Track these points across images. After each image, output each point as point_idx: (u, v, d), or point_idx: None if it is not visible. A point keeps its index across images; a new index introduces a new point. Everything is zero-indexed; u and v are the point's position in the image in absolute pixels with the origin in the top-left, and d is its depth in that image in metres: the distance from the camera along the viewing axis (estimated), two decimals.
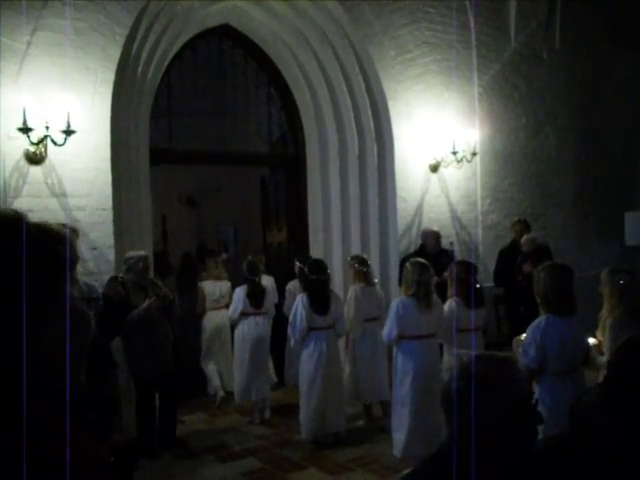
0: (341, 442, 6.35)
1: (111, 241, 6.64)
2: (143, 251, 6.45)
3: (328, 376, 6.33)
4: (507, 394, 1.99)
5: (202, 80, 8.39)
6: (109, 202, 6.67)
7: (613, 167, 11.31)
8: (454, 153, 8.62)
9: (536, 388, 4.11)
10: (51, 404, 0.97)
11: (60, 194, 6.39)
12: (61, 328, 1.02)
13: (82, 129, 6.33)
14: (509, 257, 7.91)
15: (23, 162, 6.22)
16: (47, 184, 6.33)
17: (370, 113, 8.68)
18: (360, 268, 6.90)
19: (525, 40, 9.93)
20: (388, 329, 5.60)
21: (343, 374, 6.71)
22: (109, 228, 6.64)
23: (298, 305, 6.37)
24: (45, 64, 6.28)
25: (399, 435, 5.55)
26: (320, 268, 6.48)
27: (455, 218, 9.11)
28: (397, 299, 5.80)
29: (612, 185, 11.29)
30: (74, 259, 1.10)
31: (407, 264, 5.80)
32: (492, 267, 8.67)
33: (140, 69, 7.21)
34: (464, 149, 8.69)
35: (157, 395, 6.35)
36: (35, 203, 6.22)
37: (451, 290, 5.49)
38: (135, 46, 7.06)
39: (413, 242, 8.57)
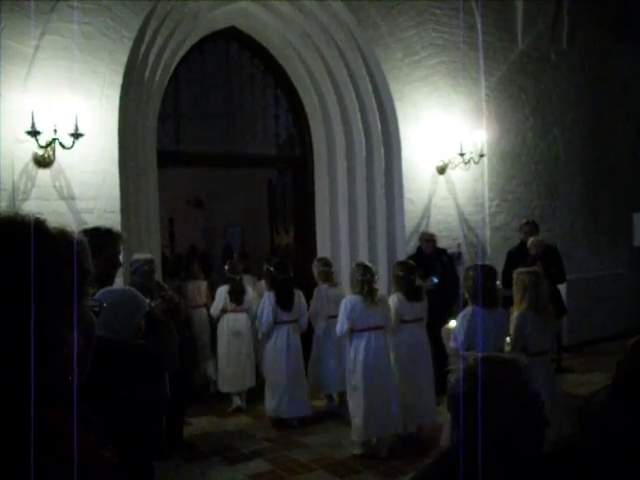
0: (305, 424, 6.95)
1: None
2: (149, 254, 6.45)
3: (290, 365, 7.01)
4: (514, 396, 1.99)
5: (209, 82, 8.41)
6: (117, 205, 6.69)
7: (622, 167, 11.28)
8: (461, 154, 8.62)
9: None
10: (58, 408, 0.98)
11: (68, 197, 6.42)
12: (70, 333, 1.02)
13: (90, 132, 6.36)
14: (518, 258, 7.88)
15: (32, 165, 6.25)
16: (55, 187, 6.36)
17: (377, 115, 8.68)
18: (324, 269, 7.44)
19: (532, 41, 9.93)
20: (340, 324, 6.18)
21: (303, 364, 7.28)
22: (117, 230, 6.65)
23: (265, 302, 7.03)
24: (53, 68, 6.31)
25: (357, 420, 6.04)
26: (284, 268, 7.14)
27: (463, 220, 9.11)
28: (346, 297, 6.36)
29: (621, 185, 11.27)
30: (88, 269, 1.11)
31: (353, 265, 6.48)
32: (500, 268, 8.64)
33: (148, 72, 7.23)
34: (471, 150, 8.69)
35: None
36: (43, 206, 6.24)
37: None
38: (142, 49, 7.08)
39: (417, 243, 8.55)
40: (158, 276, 6.82)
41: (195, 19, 7.57)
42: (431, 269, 7.75)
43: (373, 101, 8.65)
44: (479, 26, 9.26)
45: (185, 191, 13.34)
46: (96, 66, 6.56)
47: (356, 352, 6.11)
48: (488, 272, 5.29)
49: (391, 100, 8.52)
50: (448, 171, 8.86)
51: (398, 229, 8.71)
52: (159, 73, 7.38)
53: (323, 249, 8.90)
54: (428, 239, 8.05)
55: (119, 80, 6.72)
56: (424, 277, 7.39)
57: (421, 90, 8.72)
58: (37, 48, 6.23)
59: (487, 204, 9.38)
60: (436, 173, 8.84)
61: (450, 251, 8.59)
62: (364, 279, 6.11)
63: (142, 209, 7.31)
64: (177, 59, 7.68)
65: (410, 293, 6.43)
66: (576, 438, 2.87)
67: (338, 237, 8.94)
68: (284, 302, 7.03)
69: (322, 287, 7.43)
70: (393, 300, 6.47)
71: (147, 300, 5.94)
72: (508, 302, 8.65)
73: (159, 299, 6.09)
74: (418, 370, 6.42)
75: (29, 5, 6.10)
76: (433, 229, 8.53)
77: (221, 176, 12.07)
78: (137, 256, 6.32)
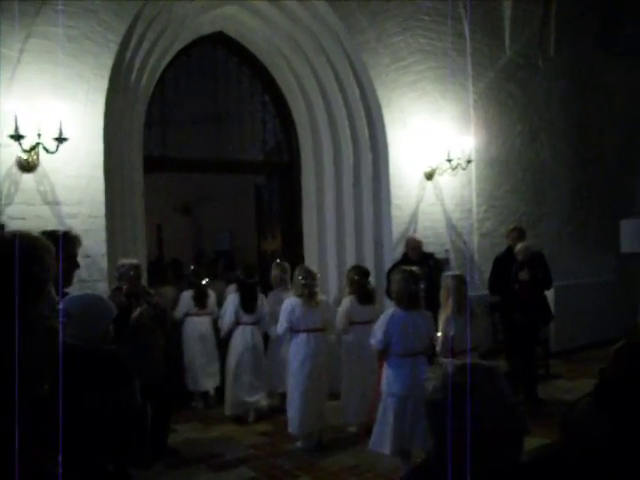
0: (262, 417, 7.41)
1: (104, 249, 6.62)
2: (135, 259, 6.41)
3: (251, 363, 7.36)
4: (492, 404, 1.96)
5: (196, 88, 8.37)
6: (102, 210, 6.65)
7: (609, 174, 11.32)
8: (449, 160, 8.63)
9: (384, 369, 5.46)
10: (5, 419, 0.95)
11: (52, 202, 6.37)
12: (26, 344, 0.99)
13: (74, 136, 6.31)
14: (504, 265, 7.87)
15: (15, 169, 6.21)
16: (39, 191, 6.31)
17: (365, 121, 8.68)
18: (279, 274, 7.72)
19: (520, 48, 9.96)
20: (280, 324, 6.51)
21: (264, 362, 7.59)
22: (102, 236, 6.61)
23: (229, 303, 7.43)
24: (38, 72, 6.27)
25: (292, 414, 6.42)
26: (250, 272, 7.53)
27: (450, 226, 9.11)
28: (287, 299, 6.63)
29: (608, 192, 11.30)
30: (45, 277, 1.07)
31: (296, 270, 6.72)
32: (487, 274, 8.63)
33: (133, 77, 7.19)
34: (459, 156, 8.69)
35: (149, 404, 6.30)
36: (27, 211, 6.20)
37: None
38: (128, 54, 7.05)
39: (403, 249, 8.54)
40: (144, 282, 6.79)
41: (182, 24, 7.55)
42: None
43: (361, 107, 8.65)
44: (467, 32, 9.28)
45: (173, 197, 13.28)
46: (81, 70, 6.52)
47: (296, 351, 6.45)
48: (411, 276, 5.55)
49: (379, 106, 8.52)
50: (436, 177, 8.86)
51: (385, 235, 8.69)
52: (145, 78, 7.35)
53: (310, 255, 8.87)
54: (414, 247, 8.01)
55: (104, 84, 6.68)
56: None
57: (409, 96, 8.72)
58: (22, 52, 6.18)
59: (475, 210, 9.38)
60: (424, 179, 8.83)
61: (437, 257, 8.57)
62: (305, 283, 6.39)
63: (128, 214, 7.26)
64: (164, 64, 7.64)
65: (362, 296, 6.80)
66: (558, 445, 2.85)
67: (325, 243, 8.91)
68: (247, 304, 7.37)
69: (275, 291, 7.77)
70: (345, 302, 6.88)
71: (135, 305, 5.95)
72: (494, 309, 8.71)
73: (145, 305, 6.06)
74: (365, 370, 6.61)
75: (14, 8, 6.06)
76: (420, 235, 8.51)
77: (208, 182, 12.02)
78: (123, 261, 6.28)
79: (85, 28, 6.56)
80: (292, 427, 6.46)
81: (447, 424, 1.94)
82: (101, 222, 6.63)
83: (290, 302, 6.49)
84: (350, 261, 8.52)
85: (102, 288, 6.35)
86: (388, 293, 7.49)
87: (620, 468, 2.44)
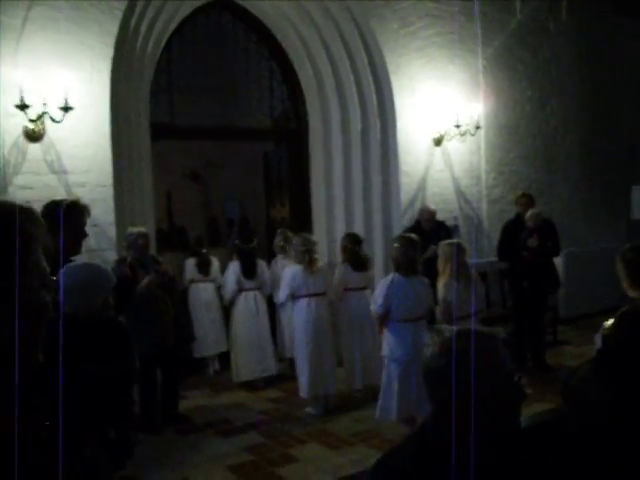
0: (271, 383, 7.55)
1: (112, 218, 6.63)
2: (143, 227, 6.43)
3: (256, 327, 7.50)
4: (490, 369, 1.96)
5: (203, 55, 8.31)
6: (109, 179, 6.65)
7: (620, 140, 11.20)
8: (457, 127, 8.56)
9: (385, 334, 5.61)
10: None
11: (59, 171, 6.38)
12: (10, 315, 0.99)
13: (80, 105, 6.30)
14: (513, 231, 7.84)
15: (22, 139, 6.20)
16: (46, 161, 6.32)
17: (373, 87, 8.60)
18: (280, 242, 7.94)
19: (530, 11, 9.80)
20: (281, 291, 6.75)
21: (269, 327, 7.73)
22: (110, 205, 6.62)
23: (230, 271, 7.57)
24: (42, 40, 6.23)
25: (303, 379, 6.57)
26: (248, 240, 7.78)
27: (459, 192, 9.07)
28: (287, 267, 6.90)
29: (619, 158, 11.19)
30: (29, 242, 1.06)
31: (295, 238, 6.94)
32: (496, 241, 8.61)
33: (139, 44, 7.15)
34: (468, 123, 8.61)
35: (159, 371, 6.38)
36: (35, 180, 6.21)
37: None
38: (133, 21, 6.99)
39: (416, 217, 8.52)
40: (153, 250, 6.82)
41: None
42: (428, 243, 7.72)
43: (368, 73, 8.56)
44: None
45: (181, 165, 13.26)
46: (86, 38, 6.48)
47: (299, 317, 6.65)
48: (409, 243, 5.66)
49: (386, 72, 8.43)
50: (444, 143, 8.80)
51: (394, 201, 8.67)
52: (151, 45, 7.30)
53: (318, 222, 8.87)
54: (428, 218, 7.93)
55: (110, 52, 6.63)
56: (424, 249, 7.43)
57: (417, 62, 8.62)
58: (25, 20, 6.14)
59: (484, 177, 9.33)
60: (432, 145, 8.77)
61: (447, 224, 8.54)
62: (305, 249, 6.59)
63: (136, 183, 7.26)
64: (169, 31, 7.57)
65: (356, 263, 6.90)
66: (559, 411, 2.86)
67: (334, 210, 8.90)
68: (247, 271, 7.53)
69: (278, 258, 8.04)
70: (340, 269, 7.02)
71: (143, 273, 5.98)
72: (503, 275, 8.71)
73: (153, 273, 6.10)
74: (365, 335, 6.81)
75: None
76: (429, 201, 8.48)
77: (217, 149, 11.99)
78: (131, 230, 6.31)
79: None
80: (302, 391, 6.62)
81: (445, 391, 1.95)
82: (109, 191, 6.63)
83: (291, 270, 6.69)
84: (359, 229, 8.52)
85: (110, 257, 6.39)
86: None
87: (619, 435, 2.45)
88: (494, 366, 1.99)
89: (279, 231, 8.17)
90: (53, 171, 6.33)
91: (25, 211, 1.04)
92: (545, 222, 7.85)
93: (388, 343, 5.61)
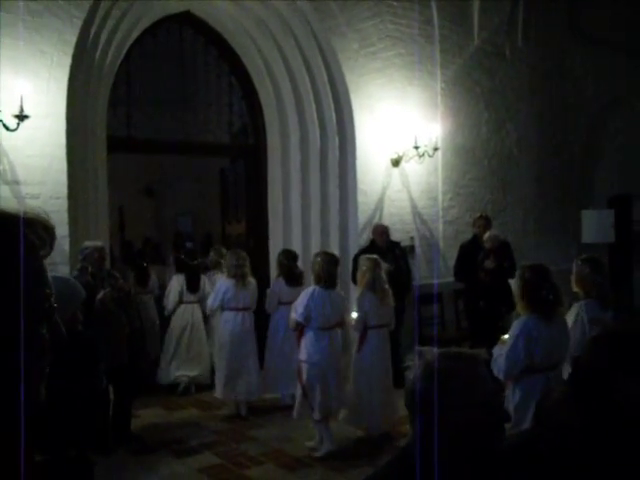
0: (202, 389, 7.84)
1: (65, 230, 6.45)
2: (100, 241, 6.28)
3: (191, 339, 7.96)
4: (473, 393, 1.93)
5: (162, 68, 8.21)
6: (64, 190, 6.49)
7: (572, 164, 11.43)
8: (416, 147, 8.61)
9: (303, 341, 6.03)
10: None
11: (12, 181, 6.19)
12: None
13: (36, 114, 6.14)
14: (470, 252, 7.91)
15: None
16: None
17: (332, 105, 8.61)
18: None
19: (488, 36, 9.96)
20: (212, 300, 7.16)
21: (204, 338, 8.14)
22: (64, 217, 6.45)
23: (174, 283, 8.01)
24: None
25: (218, 382, 7.08)
26: (193, 256, 8.27)
27: (416, 213, 9.11)
28: (221, 280, 7.32)
29: (571, 182, 11.42)
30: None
31: (227, 253, 7.45)
32: (452, 262, 8.68)
33: (98, 54, 7.02)
34: (426, 144, 8.67)
35: (111, 389, 6.19)
36: None
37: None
38: (93, 30, 6.87)
39: (370, 235, 8.53)
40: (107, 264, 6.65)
41: (148, 1, 7.38)
42: (384, 261, 7.73)
43: (328, 91, 8.57)
44: (435, 19, 9.25)
45: (135, 179, 13.07)
46: (43, 46, 6.33)
47: (225, 327, 7.10)
48: (331, 259, 6.17)
49: (346, 91, 8.45)
50: (402, 164, 8.83)
51: (351, 221, 8.66)
52: (110, 56, 7.18)
53: (275, 239, 8.81)
54: (382, 232, 8.03)
55: (68, 61, 6.50)
56: None
57: (377, 82, 8.67)
58: None
59: (441, 198, 9.39)
60: (390, 165, 8.80)
61: (403, 244, 8.58)
62: (237, 264, 6.99)
63: (90, 196, 7.11)
64: (129, 42, 7.47)
65: (290, 278, 7.24)
66: (530, 433, 2.85)
67: (290, 228, 8.85)
68: (192, 285, 7.96)
69: (211, 272, 8.34)
70: (275, 284, 7.41)
71: (95, 289, 5.81)
72: (458, 295, 8.77)
73: (109, 288, 5.93)
74: (290, 344, 6.96)
75: None
76: (386, 222, 8.50)
77: (173, 164, 11.85)
78: (87, 243, 6.15)
79: (48, 2, 6.36)
80: (217, 393, 7.13)
81: (428, 413, 1.91)
82: (63, 203, 6.46)
83: (224, 283, 7.11)
84: (315, 246, 8.49)
85: (64, 271, 6.20)
86: (353, 278, 7.50)
87: (590, 461, 2.44)
88: (475, 388, 1.96)
89: (213, 248, 8.69)
90: (5, 182, 6.15)
91: (33, 221, 0.95)
92: (501, 243, 7.94)
93: (307, 349, 5.99)
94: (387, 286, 6.34)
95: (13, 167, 6.18)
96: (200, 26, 8.26)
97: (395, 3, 8.83)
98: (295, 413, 6.10)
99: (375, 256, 6.51)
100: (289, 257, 7.32)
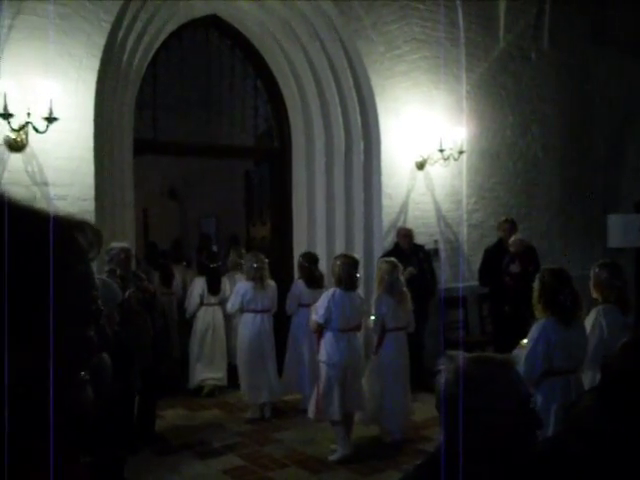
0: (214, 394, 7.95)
1: None
2: (126, 242, 6.32)
3: (213, 341, 8.03)
4: (505, 398, 1.92)
5: (188, 71, 8.25)
6: (91, 192, 6.54)
7: (598, 168, 11.33)
8: (441, 151, 8.58)
9: (323, 342, 6.09)
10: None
11: (41, 183, 6.24)
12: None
13: (65, 117, 6.19)
14: (495, 256, 7.87)
15: (3, 149, 6.07)
16: (28, 172, 6.19)
17: (357, 108, 8.60)
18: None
19: (513, 39, 9.90)
20: (231, 303, 7.28)
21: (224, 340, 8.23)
22: (91, 218, 6.47)
23: (195, 285, 8.11)
24: (28, 49, 6.12)
25: (244, 386, 7.17)
26: (214, 258, 8.34)
27: (440, 216, 9.07)
28: (240, 282, 7.44)
29: (596, 186, 11.31)
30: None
31: (246, 256, 7.54)
32: (476, 266, 8.63)
33: (125, 57, 7.07)
34: (451, 147, 8.64)
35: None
36: (15, 192, 6.04)
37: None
38: (121, 34, 6.92)
39: (394, 238, 8.51)
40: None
41: (175, 5, 7.42)
42: (408, 264, 7.73)
43: (354, 94, 8.57)
44: (461, 22, 9.21)
45: (160, 181, 13.16)
46: (72, 48, 6.39)
47: (244, 329, 7.20)
48: (351, 262, 6.20)
49: (372, 94, 8.44)
50: (427, 167, 8.81)
51: (376, 224, 8.65)
52: (137, 59, 7.22)
53: (299, 242, 8.81)
54: (405, 234, 8.03)
55: (96, 64, 6.54)
56: (403, 271, 7.48)
57: (402, 85, 8.65)
58: (11, 28, 6.03)
59: (465, 201, 9.34)
60: (415, 169, 8.78)
61: (427, 247, 8.56)
62: (257, 267, 7.10)
63: (117, 197, 7.15)
64: (156, 45, 7.50)
65: (310, 281, 7.30)
66: (561, 439, 2.82)
67: (315, 231, 8.85)
68: (213, 287, 8.05)
69: (231, 273, 8.45)
70: (295, 286, 7.49)
71: (121, 290, 5.85)
72: (482, 299, 8.72)
73: (134, 288, 5.95)
74: (310, 346, 7.07)
75: None
76: (411, 225, 8.49)
77: (197, 166, 11.92)
78: (114, 244, 6.18)
79: (77, 6, 6.41)
80: (244, 396, 7.24)
81: (459, 418, 1.90)
82: (90, 205, 6.52)
83: (243, 285, 7.23)
84: (340, 248, 8.48)
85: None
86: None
87: (622, 466, 2.41)
88: (508, 393, 1.95)
89: (232, 248, 8.90)
90: (34, 183, 6.20)
91: (83, 225, 0.96)
92: (527, 247, 7.88)
93: (326, 350, 6.06)
94: (405, 289, 6.42)
95: (42, 169, 6.24)
96: (226, 29, 8.29)
97: (421, 6, 8.81)
98: (310, 413, 6.14)
99: (393, 259, 6.56)
100: (309, 260, 7.38)
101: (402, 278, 6.43)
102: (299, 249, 8.57)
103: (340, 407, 5.92)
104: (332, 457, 5.90)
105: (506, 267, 7.60)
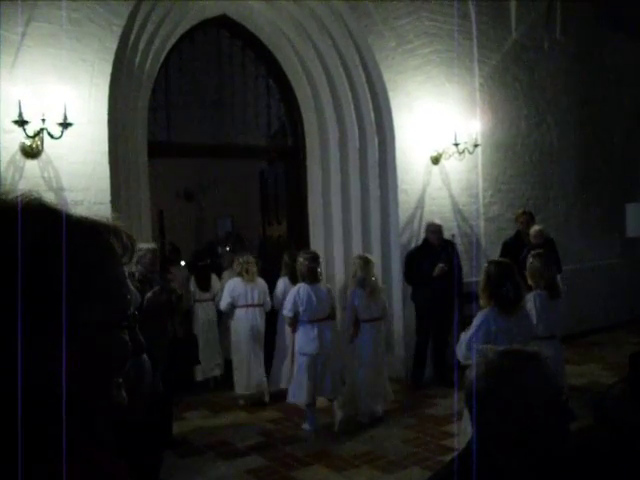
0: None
1: None
2: (152, 243, 6.32)
3: (207, 334, 8.20)
4: (537, 392, 1.89)
5: (200, 72, 8.25)
6: (107, 196, 6.54)
7: (614, 157, 11.24)
8: (456, 145, 8.53)
9: (296, 334, 6.63)
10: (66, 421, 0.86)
11: (57, 188, 6.26)
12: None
13: (79, 122, 6.20)
14: (513, 249, 7.80)
15: (19, 156, 6.08)
16: (44, 178, 6.20)
17: (370, 104, 8.56)
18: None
19: (526, 30, 9.83)
20: (223, 300, 7.55)
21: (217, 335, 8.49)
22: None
23: (189, 284, 8.36)
24: (40, 55, 6.14)
25: (238, 377, 7.52)
26: (202, 257, 9.07)
27: (457, 210, 9.02)
28: (229, 279, 7.72)
29: (613, 176, 11.22)
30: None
31: (236, 256, 7.81)
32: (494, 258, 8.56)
33: (137, 61, 7.08)
34: (466, 140, 8.59)
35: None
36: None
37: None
38: (132, 37, 6.93)
39: (415, 235, 8.48)
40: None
41: (185, 7, 7.42)
42: (437, 260, 7.72)
43: (366, 90, 8.53)
44: (473, 15, 9.16)
45: (175, 183, 13.18)
46: (85, 54, 6.40)
47: (235, 324, 7.54)
48: (311, 257, 6.67)
49: (384, 89, 8.40)
50: (442, 161, 8.76)
51: (392, 220, 8.61)
52: (149, 62, 7.23)
53: (316, 240, 8.79)
54: (435, 230, 7.98)
55: (109, 69, 6.55)
56: (433, 266, 7.70)
57: (415, 79, 8.60)
58: (24, 35, 6.05)
59: (481, 195, 9.29)
60: (430, 163, 8.73)
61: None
62: (242, 261, 7.47)
63: (132, 201, 7.17)
64: (167, 47, 7.51)
65: (294, 277, 7.34)
66: (590, 433, 2.78)
67: (331, 228, 8.83)
68: (202, 283, 8.36)
69: (228, 271, 8.51)
70: (280, 282, 7.77)
71: (148, 288, 5.84)
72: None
73: (157, 288, 5.92)
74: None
75: None
76: (427, 220, 8.43)
77: (212, 167, 11.92)
78: (140, 245, 6.16)
79: (88, 11, 6.42)
80: (237, 387, 7.54)
81: (491, 412, 1.88)
82: (106, 209, 6.51)
83: (231, 281, 7.59)
84: (357, 246, 8.47)
85: None
86: (406, 277, 7.58)
87: None
88: (539, 386, 1.92)
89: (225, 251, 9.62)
90: (51, 188, 6.21)
91: (119, 230, 0.96)
92: (546, 239, 7.82)
93: (298, 340, 6.58)
94: (376, 282, 6.90)
95: (57, 174, 6.26)
96: (236, 29, 8.28)
97: None
98: (289, 397, 6.69)
99: (366, 255, 7.16)
100: (293, 258, 7.47)
101: (374, 272, 6.92)
102: (316, 247, 8.54)
103: (308, 392, 6.48)
104: (304, 426, 6.60)
105: (524, 259, 7.53)
